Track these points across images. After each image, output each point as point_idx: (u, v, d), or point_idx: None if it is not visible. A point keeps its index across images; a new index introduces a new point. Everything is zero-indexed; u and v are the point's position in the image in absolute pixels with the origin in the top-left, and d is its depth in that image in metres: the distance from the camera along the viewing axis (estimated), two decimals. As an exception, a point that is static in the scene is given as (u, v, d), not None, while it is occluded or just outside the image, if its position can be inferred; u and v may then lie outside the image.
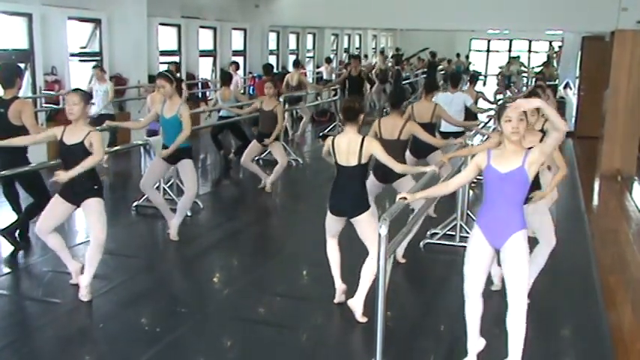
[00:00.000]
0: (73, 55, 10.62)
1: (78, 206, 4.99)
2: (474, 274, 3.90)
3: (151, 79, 9.75)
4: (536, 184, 4.48)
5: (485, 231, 3.82)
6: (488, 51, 29.53)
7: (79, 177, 4.85)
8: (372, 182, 5.76)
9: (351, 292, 4.84)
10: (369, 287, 4.68)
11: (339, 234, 4.99)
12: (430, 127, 7.19)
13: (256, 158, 9.32)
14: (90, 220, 5.03)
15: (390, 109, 5.98)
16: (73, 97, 4.83)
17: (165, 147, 6.45)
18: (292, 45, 17.92)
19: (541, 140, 4.99)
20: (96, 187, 4.97)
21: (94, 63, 10.08)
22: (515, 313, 3.77)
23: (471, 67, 20.37)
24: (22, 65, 6.38)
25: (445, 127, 8.18)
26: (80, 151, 4.81)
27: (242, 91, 13.15)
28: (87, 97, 4.96)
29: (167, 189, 7.58)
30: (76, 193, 4.91)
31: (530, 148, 3.77)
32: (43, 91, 9.84)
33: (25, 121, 5.85)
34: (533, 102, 3.68)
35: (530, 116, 5.10)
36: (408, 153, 6.57)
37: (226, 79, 10.26)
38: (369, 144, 4.66)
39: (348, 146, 4.66)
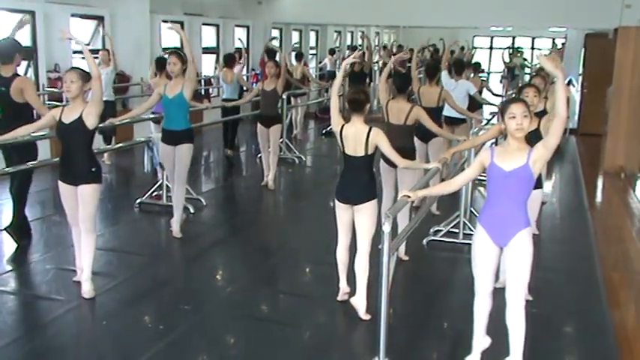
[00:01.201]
0: (75, 52, 10.60)
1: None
2: (483, 273, 3.90)
3: (154, 76, 9.72)
4: (537, 182, 4.44)
5: (489, 230, 3.80)
6: (491, 48, 29.46)
7: (76, 158, 4.85)
8: (384, 169, 5.83)
9: (353, 291, 4.84)
10: (367, 282, 4.71)
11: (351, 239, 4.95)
12: (437, 112, 7.22)
13: (259, 155, 9.32)
14: (82, 207, 4.91)
15: (397, 92, 5.99)
16: (71, 75, 4.79)
17: (166, 131, 6.45)
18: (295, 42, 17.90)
19: (539, 124, 4.98)
20: (93, 169, 4.92)
21: (98, 55, 10.02)
22: (515, 310, 3.77)
23: (474, 59, 20.27)
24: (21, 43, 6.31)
25: (448, 111, 8.16)
26: (79, 129, 4.78)
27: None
28: (85, 76, 4.84)
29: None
30: (74, 175, 4.88)
31: (533, 144, 3.76)
32: (46, 88, 9.84)
33: (30, 100, 5.86)
34: (558, 70, 3.66)
35: (533, 97, 5.11)
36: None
37: (230, 60, 10.23)
38: (375, 135, 4.67)
39: (355, 137, 4.67)
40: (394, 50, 20.45)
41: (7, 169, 6.13)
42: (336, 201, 4.84)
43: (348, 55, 15.89)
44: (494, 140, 6.15)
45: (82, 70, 4.92)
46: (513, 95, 7.79)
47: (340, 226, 4.91)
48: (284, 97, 9.75)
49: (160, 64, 8.56)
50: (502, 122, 3.76)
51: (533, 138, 3.96)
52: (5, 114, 5.90)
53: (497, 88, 15.41)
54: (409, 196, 4.05)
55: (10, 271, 5.70)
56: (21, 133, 5.15)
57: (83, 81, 4.80)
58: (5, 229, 6.15)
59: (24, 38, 9.54)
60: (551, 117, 5.12)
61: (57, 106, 9.57)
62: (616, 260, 6.60)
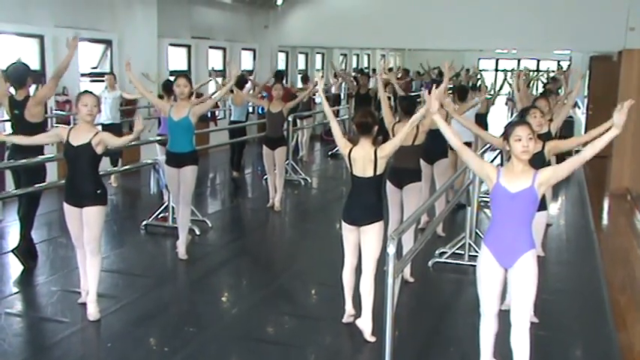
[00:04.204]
0: (84, 75, 10.72)
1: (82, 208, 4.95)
2: (488, 294, 3.88)
3: (161, 98, 9.80)
4: (541, 204, 4.41)
5: (494, 251, 3.80)
6: (496, 70, 29.56)
7: (82, 180, 4.89)
8: (390, 190, 5.84)
9: (359, 313, 4.83)
10: (372, 304, 4.70)
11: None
12: (441, 134, 7.24)
13: (265, 177, 9.36)
14: (87, 228, 4.94)
15: (403, 115, 6.02)
16: (92, 99, 4.88)
17: (170, 153, 6.50)
18: (301, 65, 18.02)
19: (543, 147, 4.98)
20: (99, 191, 4.95)
21: (104, 78, 10.15)
22: (520, 332, 3.76)
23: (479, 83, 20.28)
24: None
25: None
26: (87, 152, 4.84)
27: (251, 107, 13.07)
28: (98, 100, 5.01)
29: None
30: (79, 197, 4.91)
31: (536, 166, 3.76)
32: (54, 111, 9.92)
33: (47, 92, 6.13)
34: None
35: (540, 118, 5.15)
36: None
37: (239, 83, 10.28)
38: (381, 150, 4.69)
39: (363, 158, 4.70)
40: (399, 74, 20.55)
41: (16, 191, 6.19)
42: (343, 222, 4.85)
43: (354, 77, 16.03)
44: (499, 162, 6.15)
45: (95, 95, 5.06)
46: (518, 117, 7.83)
47: (347, 247, 4.91)
48: (289, 119, 9.80)
49: (167, 88, 8.64)
50: (507, 144, 3.77)
51: (537, 160, 3.97)
52: (19, 134, 6.00)
53: (502, 111, 15.47)
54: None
55: (16, 293, 5.71)
56: (20, 140, 5.26)
57: (98, 106, 4.94)
58: (12, 250, 6.17)
59: (33, 62, 9.66)
60: (560, 145, 5.13)
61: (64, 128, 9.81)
62: (623, 282, 6.57)
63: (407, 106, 6.07)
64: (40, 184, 6.15)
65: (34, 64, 9.72)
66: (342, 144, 4.85)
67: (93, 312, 4.98)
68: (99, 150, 4.87)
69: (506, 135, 3.79)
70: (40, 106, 6.04)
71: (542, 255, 6.19)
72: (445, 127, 4.13)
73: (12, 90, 6.18)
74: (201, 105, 6.67)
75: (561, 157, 5.02)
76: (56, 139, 5.02)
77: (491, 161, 7.61)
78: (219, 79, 10.45)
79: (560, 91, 13.40)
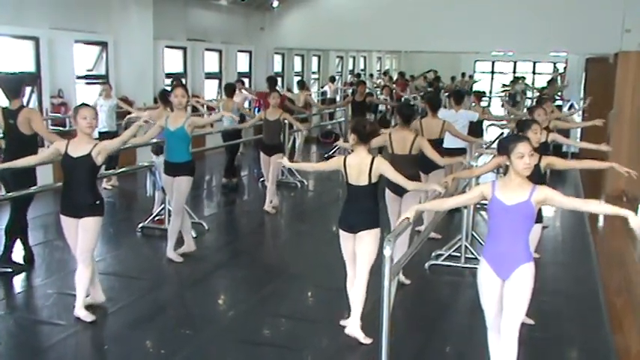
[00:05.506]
0: (79, 77, 10.70)
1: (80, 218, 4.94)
2: (490, 307, 3.87)
3: (157, 101, 9.79)
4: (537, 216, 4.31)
5: (492, 263, 3.78)
6: (492, 72, 29.61)
7: (79, 191, 4.88)
8: (390, 198, 5.84)
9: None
10: (361, 311, 4.71)
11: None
12: (439, 143, 7.27)
13: (261, 180, 9.35)
14: (82, 238, 4.94)
15: (401, 123, 6.02)
16: (91, 111, 4.91)
17: (168, 162, 6.49)
18: (297, 67, 18.03)
19: (540, 160, 4.98)
20: (97, 202, 4.96)
21: (100, 83, 10.16)
22: (507, 342, 3.72)
23: (475, 87, 20.28)
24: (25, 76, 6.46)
25: (448, 143, 8.20)
26: (87, 164, 4.85)
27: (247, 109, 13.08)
28: (96, 112, 5.05)
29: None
30: (76, 208, 4.91)
31: (532, 179, 3.76)
32: (49, 114, 9.90)
33: (38, 130, 5.97)
34: None
35: (539, 135, 5.15)
36: None
37: (230, 90, 10.29)
38: (379, 164, 4.70)
39: (358, 166, 4.70)
40: (395, 77, 20.59)
41: (12, 194, 6.13)
42: (340, 230, 4.84)
43: (351, 82, 16.02)
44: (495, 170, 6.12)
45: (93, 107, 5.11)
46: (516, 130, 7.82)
47: (346, 256, 4.89)
48: (286, 122, 9.78)
49: (164, 98, 8.60)
50: (506, 159, 3.74)
51: (533, 173, 3.94)
52: (11, 145, 5.96)
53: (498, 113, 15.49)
54: (409, 218, 4.05)
55: (12, 295, 5.69)
56: (20, 163, 5.22)
57: (96, 118, 4.95)
58: None
59: (28, 64, 9.64)
60: (556, 163, 5.07)
61: (61, 131, 9.81)
62: (619, 285, 6.57)
63: (409, 114, 6.05)
64: (32, 188, 6.09)
65: (29, 66, 9.72)
66: (334, 162, 4.90)
67: (83, 314, 4.96)
68: (99, 160, 4.90)
69: (506, 151, 3.74)
70: (27, 124, 5.97)
71: (537, 257, 6.18)
72: (428, 207, 4.63)
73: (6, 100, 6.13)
74: (199, 119, 6.89)
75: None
76: (56, 154, 5.02)
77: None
78: (244, 92, 10.63)
79: (556, 96, 13.44)
